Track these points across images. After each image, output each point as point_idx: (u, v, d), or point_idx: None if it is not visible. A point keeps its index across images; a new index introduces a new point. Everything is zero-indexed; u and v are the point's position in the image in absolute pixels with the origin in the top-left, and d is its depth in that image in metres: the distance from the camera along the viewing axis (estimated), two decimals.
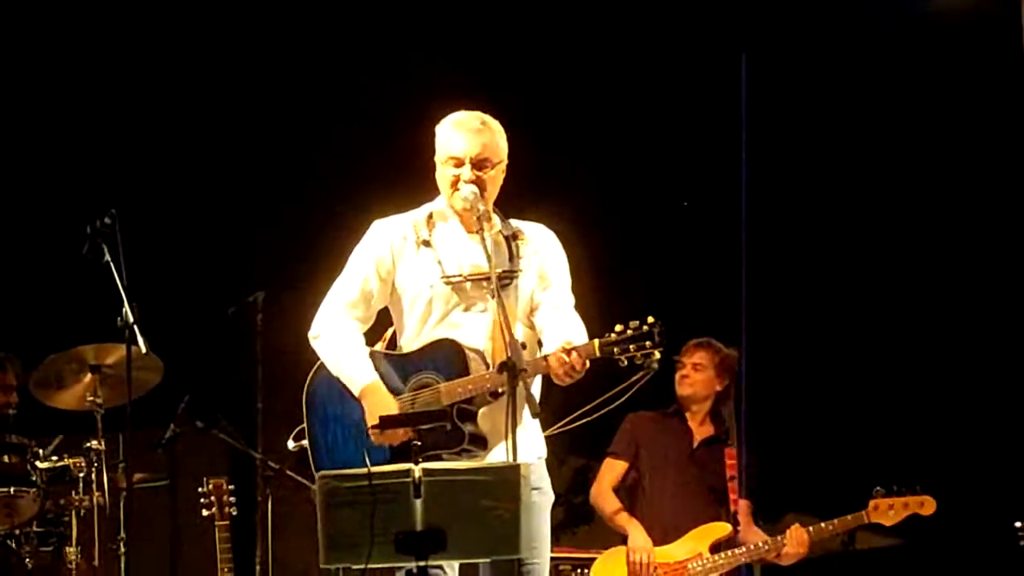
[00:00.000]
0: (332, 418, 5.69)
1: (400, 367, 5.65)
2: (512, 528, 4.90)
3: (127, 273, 7.41)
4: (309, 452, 5.73)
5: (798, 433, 9.72)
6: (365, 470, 4.95)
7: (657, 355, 5.39)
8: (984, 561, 9.36)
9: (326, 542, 4.95)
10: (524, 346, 5.49)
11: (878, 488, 7.68)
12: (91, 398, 8.05)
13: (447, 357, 5.53)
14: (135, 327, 7.47)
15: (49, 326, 9.05)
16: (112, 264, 7.41)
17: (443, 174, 5.68)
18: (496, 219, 5.69)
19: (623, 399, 5.81)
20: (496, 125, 5.73)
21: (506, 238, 5.66)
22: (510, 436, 5.21)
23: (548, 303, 5.68)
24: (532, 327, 5.69)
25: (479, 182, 5.60)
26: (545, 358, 5.44)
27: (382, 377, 5.63)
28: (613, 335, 5.40)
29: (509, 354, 5.26)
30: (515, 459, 5.15)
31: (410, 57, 9.61)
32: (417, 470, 4.90)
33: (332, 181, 9.82)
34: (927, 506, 7.66)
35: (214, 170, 9.84)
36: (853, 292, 9.73)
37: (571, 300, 5.74)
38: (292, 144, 9.89)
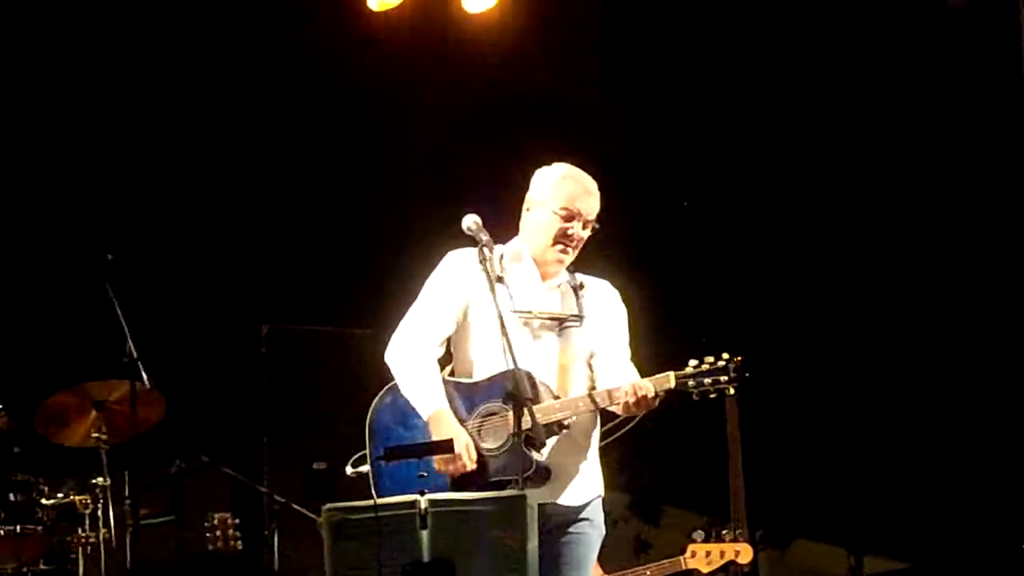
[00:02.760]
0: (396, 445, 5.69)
1: (468, 395, 5.67)
2: (519, 557, 4.89)
3: (132, 309, 7.42)
4: (371, 478, 5.67)
5: (803, 459, 9.71)
6: (381, 500, 4.96)
7: (732, 391, 5.55)
8: None
9: (334, 574, 4.94)
10: (530, 376, 5.49)
11: (697, 532, 7.61)
12: (96, 434, 8.04)
13: (519, 386, 5.51)
14: (139, 363, 7.48)
15: (53, 363, 9.03)
16: (115, 301, 7.42)
17: (547, 221, 5.75)
18: (564, 271, 5.83)
19: (628, 428, 5.90)
20: None
21: (573, 288, 5.80)
22: (519, 470, 5.24)
23: (608, 353, 5.79)
24: (591, 370, 5.78)
25: (579, 239, 5.77)
26: (617, 388, 5.54)
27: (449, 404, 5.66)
28: (690, 368, 5.55)
29: (512, 384, 5.29)
30: (523, 488, 5.16)
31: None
32: (423, 501, 4.89)
33: (339, 219, 9.83)
34: (743, 554, 7.58)
35: (218, 206, 9.84)
36: (856, 315, 9.73)
37: (628, 353, 5.86)
38: (296, 181, 9.89)
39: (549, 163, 5.93)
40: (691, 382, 5.53)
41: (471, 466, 5.50)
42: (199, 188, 9.80)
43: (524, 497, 4.97)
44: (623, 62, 9.57)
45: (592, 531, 5.74)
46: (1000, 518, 9.37)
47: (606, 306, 5.88)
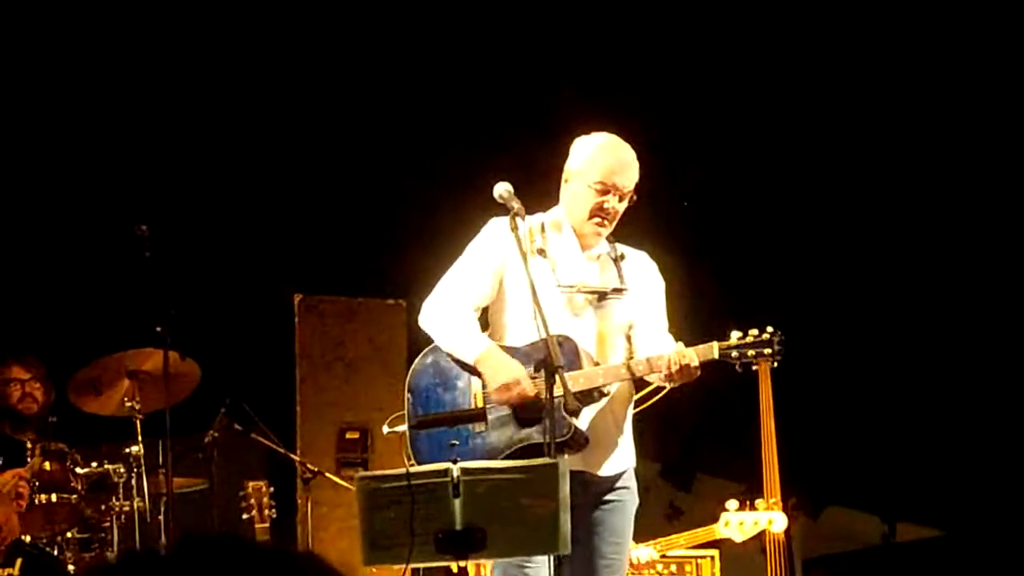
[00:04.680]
0: (435, 406, 5.68)
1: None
2: (551, 525, 4.90)
3: (164, 278, 7.44)
4: (408, 440, 5.68)
5: (837, 426, 9.68)
6: (414, 469, 4.98)
7: (775, 364, 5.61)
8: None
9: (367, 542, 4.97)
10: (560, 343, 5.48)
11: (731, 501, 7.62)
12: (129, 403, 8.07)
13: (564, 353, 5.50)
14: (172, 333, 7.51)
15: (87, 333, 9.07)
16: (150, 270, 7.45)
17: (583, 194, 5.75)
18: (604, 241, 5.83)
19: (647, 404, 5.94)
20: None
21: (613, 259, 5.81)
22: (549, 433, 5.24)
23: (647, 324, 5.81)
24: (629, 342, 5.78)
25: (616, 212, 5.76)
26: (660, 356, 5.54)
27: None
28: (733, 340, 5.59)
29: (548, 352, 5.28)
30: (553, 456, 5.16)
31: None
32: (456, 469, 4.90)
33: (372, 189, 9.82)
34: (777, 523, 7.59)
35: (252, 174, 9.84)
36: (889, 280, 9.69)
37: (666, 324, 5.88)
38: (328, 148, 9.88)
39: (588, 132, 5.92)
40: (734, 353, 5.56)
41: (531, 391, 5.49)
42: (234, 158, 9.80)
43: (556, 465, 4.97)
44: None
45: (629, 499, 5.78)
46: None
47: (646, 278, 5.89)
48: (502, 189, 5.63)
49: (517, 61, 9.44)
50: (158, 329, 7.54)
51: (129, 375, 8.12)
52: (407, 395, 5.75)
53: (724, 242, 9.76)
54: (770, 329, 5.58)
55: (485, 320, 5.83)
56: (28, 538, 7.80)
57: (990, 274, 9.49)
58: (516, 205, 5.60)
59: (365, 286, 9.61)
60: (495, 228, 5.79)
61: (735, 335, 5.59)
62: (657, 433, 8.36)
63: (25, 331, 8.71)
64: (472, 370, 5.67)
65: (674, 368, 5.52)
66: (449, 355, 5.70)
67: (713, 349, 5.57)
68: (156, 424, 7.86)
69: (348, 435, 9.02)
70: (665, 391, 5.93)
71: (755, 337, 5.57)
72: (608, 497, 5.71)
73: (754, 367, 5.60)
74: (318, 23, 9.59)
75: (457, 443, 5.46)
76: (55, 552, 7.89)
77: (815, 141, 9.58)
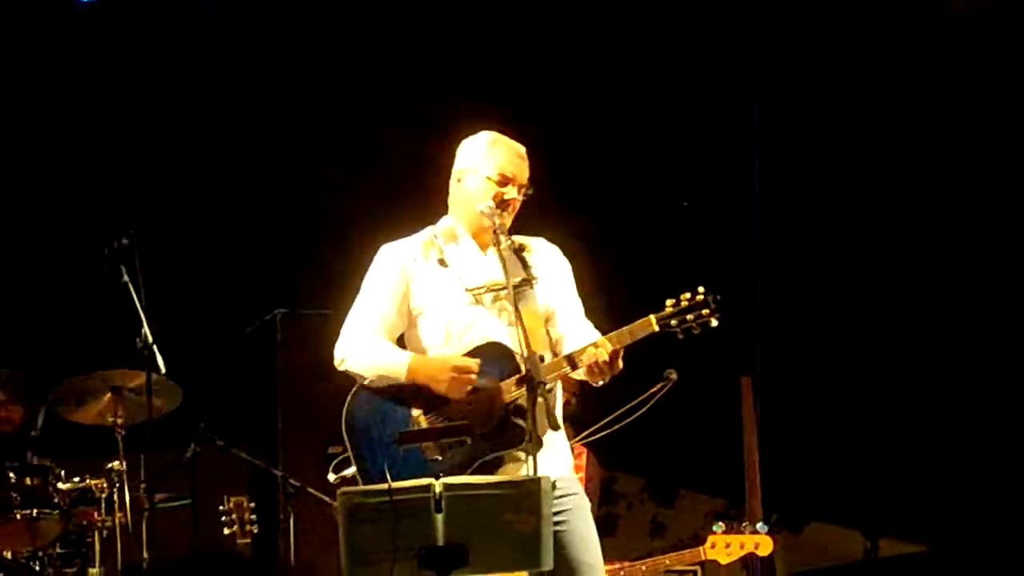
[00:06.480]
0: (379, 443, 5.61)
1: None
2: (534, 541, 4.89)
3: (145, 293, 7.43)
4: (361, 481, 5.59)
5: (819, 441, 9.70)
6: (396, 484, 4.95)
7: (715, 322, 5.38)
8: (1012, 569, 9.33)
9: (349, 558, 4.95)
10: (542, 359, 5.46)
11: (719, 523, 7.62)
12: (112, 418, 8.07)
13: (499, 359, 5.50)
14: (154, 348, 7.51)
15: (70, 349, 9.06)
16: (130, 284, 7.44)
17: (483, 187, 5.69)
18: (502, 235, 5.69)
19: (644, 410, 5.87)
20: None
21: (515, 251, 5.66)
22: (532, 450, 5.21)
23: (563, 311, 5.71)
24: (548, 335, 5.68)
25: (515, 203, 5.69)
26: (582, 350, 5.42)
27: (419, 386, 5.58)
28: (669, 308, 5.41)
29: (528, 368, 5.26)
30: (536, 472, 5.15)
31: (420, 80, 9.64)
32: (438, 485, 4.90)
33: (349, 202, 9.83)
34: (763, 546, 7.60)
35: (232, 189, 9.85)
36: (870, 296, 9.71)
37: (581, 307, 5.77)
38: (309, 165, 9.89)
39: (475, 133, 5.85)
40: (674, 321, 5.39)
41: (475, 365, 5.46)
42: (212, 172, 9.81)
43: (539, 481, 4.96)
44: None
45: (582, 503, 5.61)
46: (1018, 501, 9.36)
47: (551, 263, 5.78)
48: (484, 206, 5.63)
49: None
50: (139, 346, 7.54)
51: (112, 390, 8.11)
52: (348, 441, 5.66)
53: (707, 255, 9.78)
54: (702, 289, 5.40)
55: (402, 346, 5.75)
56: (9, 554, 7.79)
57: (969, 287, 9.52)
58: (499, 221, 5.60)
59: (346, 299, 9.59)
60: (387, 255, 5.77)
61: (669, 303, 5.40)
62: (639, 449, 8.35)
63: (6, 349, 8.70)
64: (408, 395, 5.59)
65: (590, 361, 5.39)
66: (378, 385, 5.63)
67: (651, 323, 5.40)
68: (138, 439, 7.86)
69: (331, 449, 8.99)
70: (654, 400, 5.82)
71: (689, 301, 5.39)
72: (562, 508, 5.48)
73: (695, 332, 5.41)
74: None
75: (440, 459, 5.44)
76: (37, 567, 7.87)
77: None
